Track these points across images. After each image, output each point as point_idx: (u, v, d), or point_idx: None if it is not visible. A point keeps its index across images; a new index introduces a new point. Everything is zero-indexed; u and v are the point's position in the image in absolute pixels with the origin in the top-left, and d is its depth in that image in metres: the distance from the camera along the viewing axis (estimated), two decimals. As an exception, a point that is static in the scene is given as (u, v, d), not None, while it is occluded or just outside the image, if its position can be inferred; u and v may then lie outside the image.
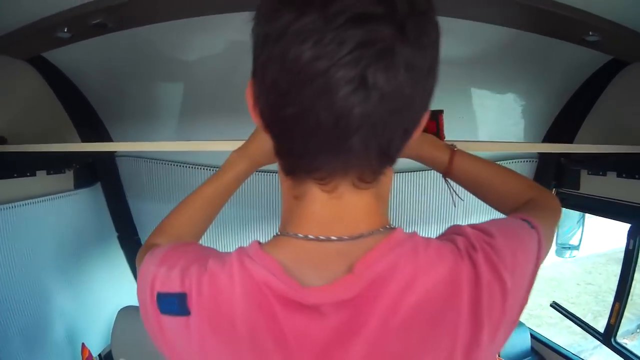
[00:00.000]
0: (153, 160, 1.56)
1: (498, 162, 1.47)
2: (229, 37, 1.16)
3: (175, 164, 1.56)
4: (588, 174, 1.30)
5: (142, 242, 1.64)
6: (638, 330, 3.35)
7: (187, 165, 1.55)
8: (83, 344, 1.17)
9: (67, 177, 1.45)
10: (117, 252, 1.67)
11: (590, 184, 1.30)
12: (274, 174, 1.46)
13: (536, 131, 1.44)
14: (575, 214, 1.54)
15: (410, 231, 0.37)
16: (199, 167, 1.58)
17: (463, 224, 0.40)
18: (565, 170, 1.36)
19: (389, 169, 0.37)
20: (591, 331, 1.32)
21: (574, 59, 1.16)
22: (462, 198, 0.68)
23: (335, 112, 0.29)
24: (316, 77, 0.28)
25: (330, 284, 0.32)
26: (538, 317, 3.13)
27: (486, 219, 0.43)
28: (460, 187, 0.65)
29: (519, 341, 1.51)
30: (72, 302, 1.41)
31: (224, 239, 1.62)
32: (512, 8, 0.92)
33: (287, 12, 0.28)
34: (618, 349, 1.22)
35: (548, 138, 1.41)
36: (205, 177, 1.62)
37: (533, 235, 0.41)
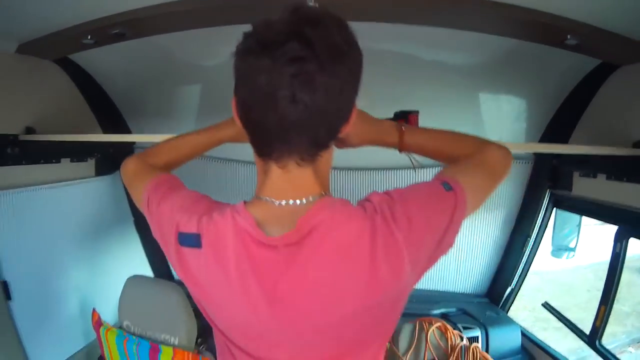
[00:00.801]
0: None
1: None
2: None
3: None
4: (580, 175, 1.31)
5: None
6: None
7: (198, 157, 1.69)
8: (94, 309, 1.31)
9: (89, 165, 1.60)
10: (132, 234, 1.83)
11: (582, 186, 1.31)
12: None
13: (533, 134, 1.46)
14: (576, 217, 1.54)
15: None
16: (209, 159, 1.73)
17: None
18: (558, 172, 1.37)
19: (325, 153, 0.53)
20: (577, 333, 1.33)
21: (567, 64, 1.18)
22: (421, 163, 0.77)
23: (279, 117, 0.46)
24: (267, 96, 0.46)
25: (282, 236, 0.50)
26: (545, 321, 3.08)
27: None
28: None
29: (510, 338, 1.53)
30: (88, 275, 1.56)
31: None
32: (497, 17, 0.97)
33: (251, 56, 0.46)
34: (602, 352, 1.23)
35: (544, 140, 1.42)
36: (215, 169, 1.71)
37: (447, 197, 0.53)
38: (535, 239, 1.58)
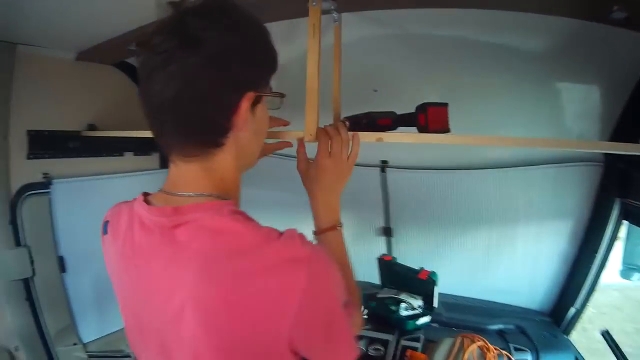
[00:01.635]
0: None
1: (558, 166, 1.38)
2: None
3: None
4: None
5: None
6: None
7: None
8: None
9: (153, 158, 1.75)
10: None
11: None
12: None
13: (603, 130, 1.25)
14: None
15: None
16: (270, 156, 1.76)
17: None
18: (628, 178, 1.16)
19: (219, 153, 0.52)
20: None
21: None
22: None
23: (147, 110, 0.50)
24: (140, 91, 0.49)
25: (157, 219, 0.51)
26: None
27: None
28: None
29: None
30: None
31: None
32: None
33: (142, 53, 0.48)
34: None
35: (615, 139, 1.21)
36: (277, 165, 1.72)
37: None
38: (604, 255, 1.36)
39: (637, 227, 1.23)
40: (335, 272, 0.48)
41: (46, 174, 1.35)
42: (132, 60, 1.50)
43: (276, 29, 1.04)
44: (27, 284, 1.29)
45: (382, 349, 1.30)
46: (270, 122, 0.63)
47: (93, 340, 1.47)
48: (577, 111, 1.29)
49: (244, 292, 0.43)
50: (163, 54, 0.45)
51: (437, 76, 1.27)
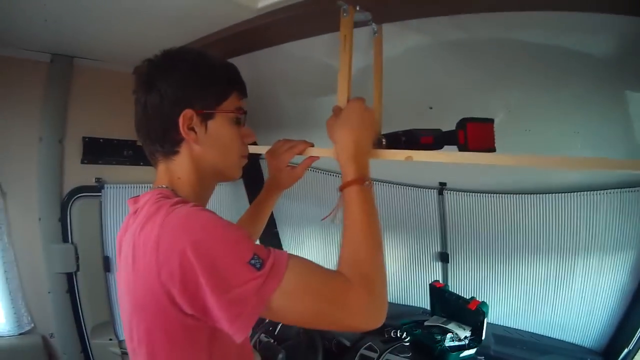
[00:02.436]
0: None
1: (627, 191, 1.21)
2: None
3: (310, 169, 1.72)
4: None
5: (280, 235, 2.04)
6: None
7: (317, 171, 1.78)
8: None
9: None
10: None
11: None
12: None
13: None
14: None
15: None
16: (327, 173, 1.78)
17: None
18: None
19: (177, 158, 0.65)
20: None
21: None
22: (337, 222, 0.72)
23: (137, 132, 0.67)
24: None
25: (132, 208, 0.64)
26: None
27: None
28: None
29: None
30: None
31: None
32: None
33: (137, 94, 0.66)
34: None
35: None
36: (331, 182, 1.71)
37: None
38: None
39: None
40: (211, 231, 0.52)
41: (99, 178, 1.44)
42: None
43: (320, 45, 1.03)
44: (70, 278, 1.38)
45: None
46: (244, 138, 0.71)
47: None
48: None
49: (141, 257, 0.54)
50: (135, 93, 0.65)
51: (498, 90, 1.13)
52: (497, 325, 1.48)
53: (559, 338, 1.50)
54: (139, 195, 0.64)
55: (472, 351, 1.32)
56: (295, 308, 0.52)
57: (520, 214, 1.44)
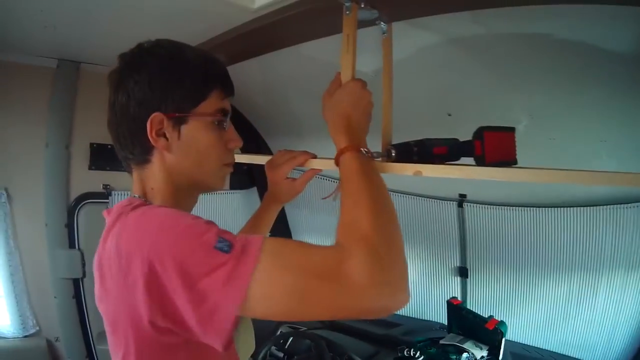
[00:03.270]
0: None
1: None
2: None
3: (324, 178, 1.67)
4: None
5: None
6: None
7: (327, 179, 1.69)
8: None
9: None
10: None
11: None
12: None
13: None
14: None
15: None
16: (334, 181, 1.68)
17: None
18: None
19: (149, 167, 0.59)
20: None
21: None
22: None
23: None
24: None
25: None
26: None
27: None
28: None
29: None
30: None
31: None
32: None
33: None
34: None
35: None
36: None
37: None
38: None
39: None
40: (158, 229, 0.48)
41: (107, 185, 1.43)
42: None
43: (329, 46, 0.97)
44: (77, 283, 1.37)
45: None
46: (228, 143, 0.62)
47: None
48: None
49: (107, 274, 0.51)
50: (110, 97, 0.59)
51: (519, 93, 1.04)
52: (516, 343, 1.44)
53: (579, 358, 1.44)
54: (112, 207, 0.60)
55: (488, 371, 1.24)
56: (278, 291, 0.43)
57: (543, 227, 1.37)
